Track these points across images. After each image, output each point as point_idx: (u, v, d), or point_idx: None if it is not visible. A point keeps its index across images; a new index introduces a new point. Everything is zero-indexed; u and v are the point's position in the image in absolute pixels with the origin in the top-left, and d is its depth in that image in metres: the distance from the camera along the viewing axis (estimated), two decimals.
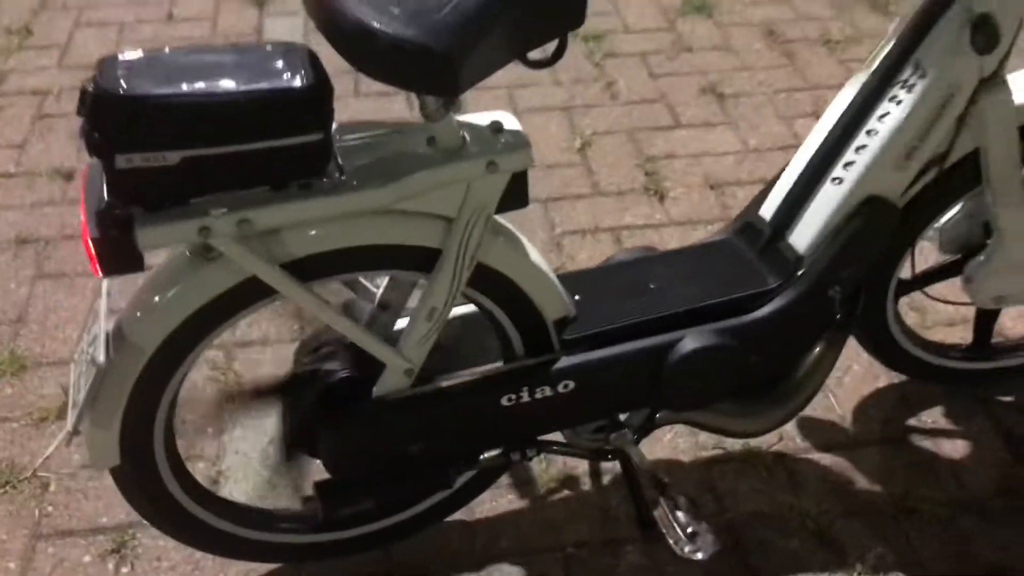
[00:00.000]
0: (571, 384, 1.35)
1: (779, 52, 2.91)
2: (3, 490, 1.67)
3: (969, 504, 1.66)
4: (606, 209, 2.30)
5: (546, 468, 1.70)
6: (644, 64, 2.84)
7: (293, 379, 1.38)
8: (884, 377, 1.87)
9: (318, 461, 1.36)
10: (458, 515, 1.60)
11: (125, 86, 0.98)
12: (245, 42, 2.87)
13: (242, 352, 1.92)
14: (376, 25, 1.00)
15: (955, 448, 1.76)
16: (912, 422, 1.80)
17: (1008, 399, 1.84)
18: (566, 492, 1.68)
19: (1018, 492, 1.68)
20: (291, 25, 3.02)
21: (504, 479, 1.65)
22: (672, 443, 1.75)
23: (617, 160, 2.46)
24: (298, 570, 1.55)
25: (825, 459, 1.74)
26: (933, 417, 1.81)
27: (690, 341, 1.38)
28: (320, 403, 1.31)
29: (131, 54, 1.04)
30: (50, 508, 1.65)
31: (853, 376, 1.88)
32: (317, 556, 1.52)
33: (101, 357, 1.12)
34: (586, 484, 1.69)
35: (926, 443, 1.77)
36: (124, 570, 1.55)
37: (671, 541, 1.43)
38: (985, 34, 1.30)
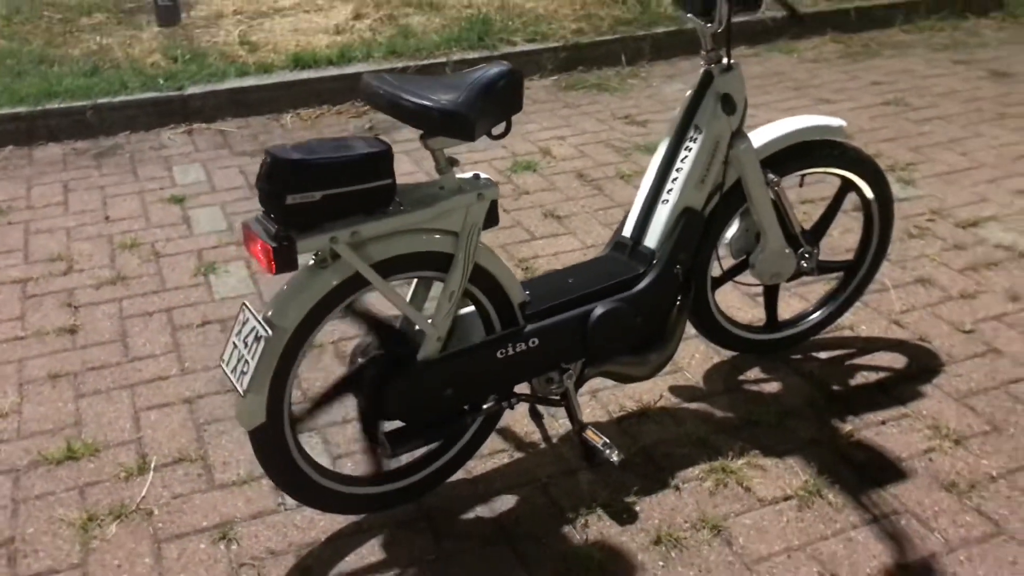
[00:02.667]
0: (536, 340, 2.13)
1: (591, 187, 3.94)
2: (119, 520, 2.20)
3: (789, 413, 2.52)
4: None
5: (514, 435, 2.43)
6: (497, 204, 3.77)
7: (353, 374, 2.07)
8: (718, 356, 2.76)
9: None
10: (460, 475, 2.29)
11: (293, 155, 1.74)
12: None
13: None
14: (429, 104, 1.82)
15: (773, 387, 2.64)
16: (742, 378, 2.68)
17: (798, 356, 2.76)
18: (531, 449, 2.41)
19: (816, 404, 2.56)
20: (211, 213, 3.77)
21: (487, 447, 2.35)
22: (592, 411, 2.53)
23: None
24: (360, 522, 2.17)
25: (692, 405, 2.57)
26: (755, 373, 2.70)
27: (600, 308, 2.20)
28: (383, 373, 2.01)
29: (287, 143, 1.81)
30: (160, 525, 2.19)
31: (696, 359, 2.75)
32: (390, 504, 2.15)
33: (268, 332, 1.80)
34: (543, 443, 2.43)
35: (754, 388, 2.64)
36: (234, 547, 2.12)
37: (597, 446, 2.18)
38: (729, 104, 2.29)
